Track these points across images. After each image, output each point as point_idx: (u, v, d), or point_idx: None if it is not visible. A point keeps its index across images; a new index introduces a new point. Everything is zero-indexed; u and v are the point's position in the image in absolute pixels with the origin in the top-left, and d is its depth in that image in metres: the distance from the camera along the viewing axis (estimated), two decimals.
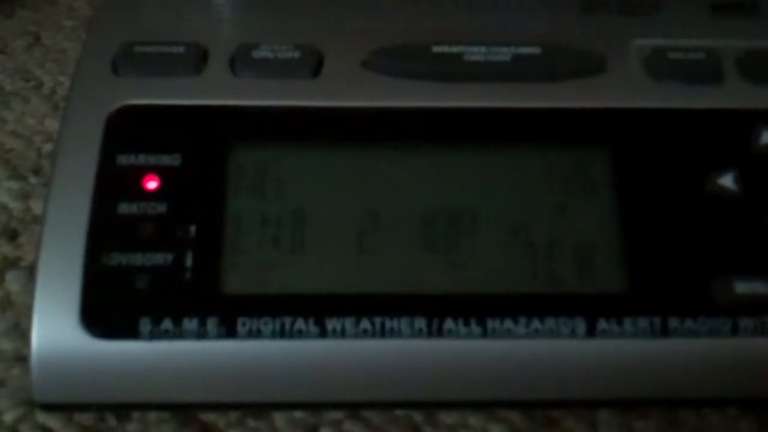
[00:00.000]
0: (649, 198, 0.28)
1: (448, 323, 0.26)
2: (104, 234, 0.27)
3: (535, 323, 0.26)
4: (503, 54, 0.30)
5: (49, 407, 0.27)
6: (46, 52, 0.42)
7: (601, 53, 0.31)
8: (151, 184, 0.27)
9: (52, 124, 0.37)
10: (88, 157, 0.28)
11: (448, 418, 0.28)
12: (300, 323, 0.26)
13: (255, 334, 0.26)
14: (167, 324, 0.26)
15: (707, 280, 0.27)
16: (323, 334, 0.26)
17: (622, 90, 0.30)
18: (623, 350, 0.26)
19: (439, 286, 0.27)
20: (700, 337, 0.26)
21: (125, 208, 0.27)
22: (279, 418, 0.28)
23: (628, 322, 0.26)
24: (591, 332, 0.26)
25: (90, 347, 0.26)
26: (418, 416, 0.28)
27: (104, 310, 0.26)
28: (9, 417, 0.27)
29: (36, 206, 0.34)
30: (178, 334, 0.26)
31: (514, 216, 0.28)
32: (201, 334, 0.26)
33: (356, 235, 0.27)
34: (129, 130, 0.28)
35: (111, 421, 0.27)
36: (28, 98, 0.39)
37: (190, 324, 0.26)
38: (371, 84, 0.30)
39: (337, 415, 0.28)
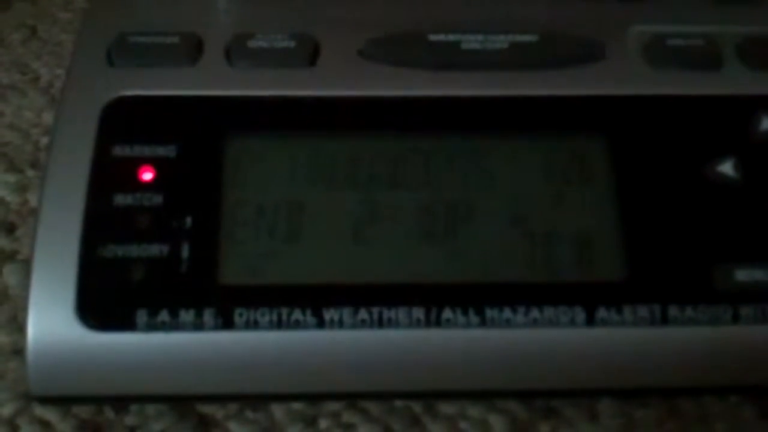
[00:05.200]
0: (648, 186, 0.28)
1: (447, 313, 0.26)
2: (100, 226, 0.26)
3: (534, 312, 0.26)
4: (500, 42, 0.30)
5: (46, 400, 0.27)
6: (42, 44, 0.42)
7: (599, 40, 0.31)
8: (147, 175, 0.27)
9: (49, 117, 0.37)
10: (84, 149, 0.27)
11: (447, 408, 0.28)
12: (297, 314, 0.26)
13: (252, 325, 0.26)
14: (164, 315, 0.26)
15: (707, 267, 0.27)
16: (321, 324, 0.26)
17: (621, 77, 0.30)
18: (623, 339, 0.26)
19: (437, 275, 0.26)
20: (700, 325, 0.26)
21: (121, 199, 0.27)
22: (277, 409, 0.27)
23: (627, 311, 0.26)
24: (590, 321, 0.26)
25: (86, 339, 0.25)
26: (417, 407, 0.28)
27: (100, 302, 0.26)
28: (6, 410, 0.27)
29: (33, 199, 0.34)
30: (175, 326, 0.26)
31: (512, 205, 0.27)
32: (198, 326, 0.26)
33: (353, 225, 0.27)
34: (124, 121, 0.28)
35: (109, 413, 0.27)
36: (25, 91, 0.39)
37: (187, 315, 0.26)
38: (368, 73, 0.30)
39: (336, 406, 0.28)
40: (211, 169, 0.27)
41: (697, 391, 0.27)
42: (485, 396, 0.27)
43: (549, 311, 0.26)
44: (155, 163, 0.27)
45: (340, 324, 0.26)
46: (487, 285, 0.26)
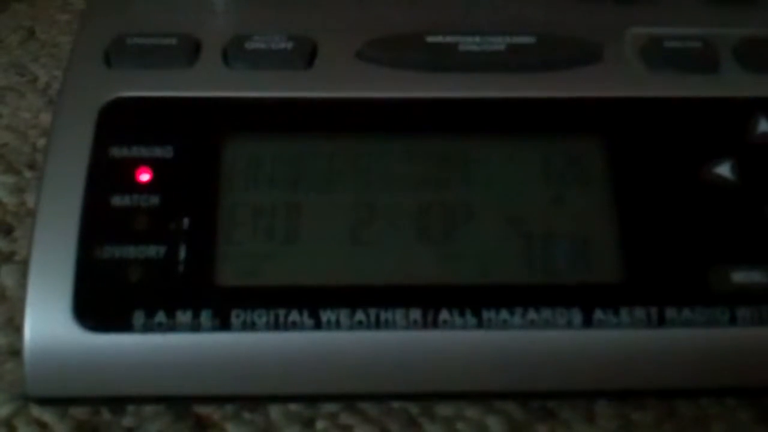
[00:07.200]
0: (645, 187, 0.28)
1: (444, 314, 0.26)
2: (97, 227, 0.26)
3: (531, 314, 0.26)
4: (498, 43, 0.30)
5: (43, 401, 0.27)
6: (40, 46, 0.42)
7: (596, 42, 0.31)
8: (144, 177, 0.27)
9: (46, 119, 0.37)
10: (81, 150, 0.27)
11: (444, 409, 0.28)
12: (294, 315, 0.26)
13: (249, 326, 0.26)
14: (161, 317, 0.26)
15: (704, 269, 0.27)
16: (318, 325, 0.26)
17: (618, 79, 0.30)
18: (620, 341, 0.26)
19: (434, 277, 0.26)
20: (697, 327, 0.26)
21: (118, 200, 0.27)
22: (274, 410, 0.27)
23: (624, 313, 0.26)
24: (587, 323, 0.26)
25: (83, 341, 0.25)
26: (414, 408, 0.28)
27: (97, 303, 0.26)
28: (3, 411, 0.27)
29: (31, 200, 0.34)
30: (172, 327, 0.25)
31: (509, 206, 0.27)
32: (195, 327, 0.26)
33: (350, 227, 0.27)
34: (122, 122, 0.28)
35: (106, 414, 0.27)
36: (23, 93, 0.39)
37: (184, 316, 0.26)
38: (365, 75, 0.30)
39: (333, 407, 0.28)
40: (208, 171, 0.27)
41: (694, 393, 0.27)
42: (482, 397, 0.27)
43: (546, 313, 0.26)
44: (152, 164, 0.27)
45: (337, 325, 0.26)
46: (485, 286, 0.26)
